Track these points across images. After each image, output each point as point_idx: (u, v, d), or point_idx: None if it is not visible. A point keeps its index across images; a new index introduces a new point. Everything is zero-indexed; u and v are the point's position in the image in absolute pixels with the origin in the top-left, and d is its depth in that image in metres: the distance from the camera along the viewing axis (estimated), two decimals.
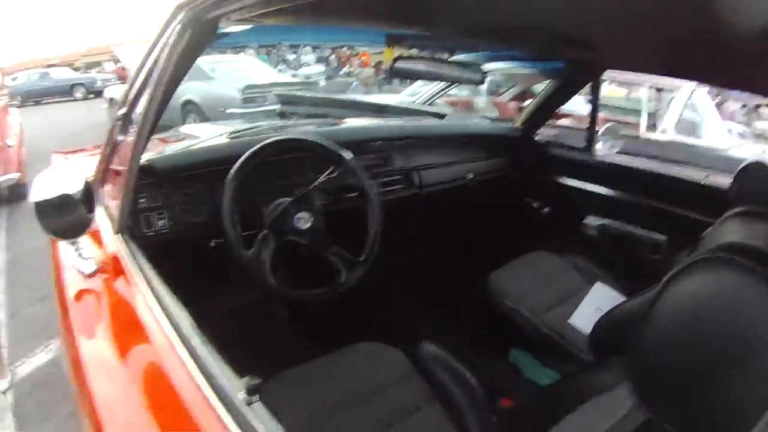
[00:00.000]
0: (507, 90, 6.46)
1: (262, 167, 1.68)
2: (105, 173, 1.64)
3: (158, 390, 0.87)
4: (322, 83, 11.54)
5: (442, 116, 3.68)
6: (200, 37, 1.15)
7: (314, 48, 17.82)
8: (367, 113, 5.46)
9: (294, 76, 14.39)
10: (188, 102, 8.47)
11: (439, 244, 2.49)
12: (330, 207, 1.75)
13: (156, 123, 1.26)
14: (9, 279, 4.03)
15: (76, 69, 28.44)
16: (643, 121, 4.77)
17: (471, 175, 2.47)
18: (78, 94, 20.91)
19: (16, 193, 5.94)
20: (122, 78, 18.60)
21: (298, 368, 1.38)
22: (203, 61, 8.73)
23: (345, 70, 16.97)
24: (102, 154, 1.61)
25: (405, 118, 3.16)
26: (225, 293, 1.84)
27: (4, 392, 2.61)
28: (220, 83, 8.61)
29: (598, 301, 1.88)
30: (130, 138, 1.34)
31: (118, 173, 1.51)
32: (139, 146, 1.24)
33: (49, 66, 24.44)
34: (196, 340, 0.87)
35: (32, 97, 19.82)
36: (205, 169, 1.76)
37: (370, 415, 1.28)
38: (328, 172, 1.77)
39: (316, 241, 1.69)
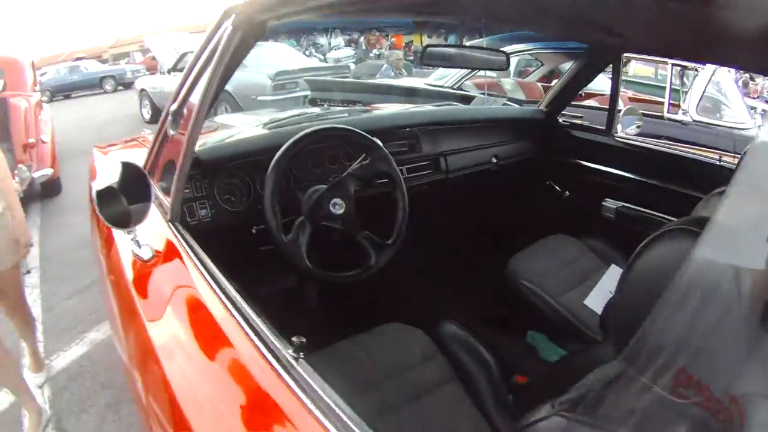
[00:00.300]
0: (535, 70, 6.52)
1: (298, 156, 1.81)
2: (154, 166, 1.79)
3: (222, 355, 1.01)
4: (352, 66, 11.64)
5: (469, 99, 3.78)
6: (250, 37, 1.30)
7: (343, 30, 17.91)
8: (397, 97, 5.58)
9: (324, 60, 14.46)
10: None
11: (464, 227, 2.59)
12: (360, 193, 1.87)
13: (206, 118, 1.40)
14: (43, 274, 4.12)
15: (104, 61, 28.85)
16: (666, 101, 4.75)
17: (494, 159, 2.57)
18: (108, 87, 21.14)
19: (49, 189, 6.12)
20: (151, 68, 18.73)
21: (328, 349, 1.51)
22: None
23: (375, 52, 17.03)
24: (151, 148, 1.76)
25: (433, 103, 3.25)
26: (261, 280, 1.96)
27: (40, 386, 2.70)
28: (251, 70, 8.62)
29: (612, 284, 1.94)
30: (181, 132, 1.48)
31: (167, 165, 1.66)
32: (192, 140, 1.38)
33: (77, 59, 24.84)
34: (249, 311, 1.02)
35: (62, 91, 20.11)
36: (246, 160, 1.90)
37: (396, 391, 1.41)
38: (360, 159, 1.91)
39: (349, 225, 1.83)
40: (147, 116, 11.68)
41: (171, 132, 1.54)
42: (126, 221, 1.40)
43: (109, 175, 1.40)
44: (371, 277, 1.84)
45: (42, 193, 6.12)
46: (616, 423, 0.72)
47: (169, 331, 1.14)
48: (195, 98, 1.44)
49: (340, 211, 1.80)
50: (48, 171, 5.64)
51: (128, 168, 1.43)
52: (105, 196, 1.38)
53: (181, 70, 10.80)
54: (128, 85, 19.24)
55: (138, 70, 21.24)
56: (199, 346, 1.06)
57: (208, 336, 1.06)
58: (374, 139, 1.93)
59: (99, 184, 1.38)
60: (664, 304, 0.70)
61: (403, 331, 1.62)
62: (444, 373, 1.50)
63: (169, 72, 10.61)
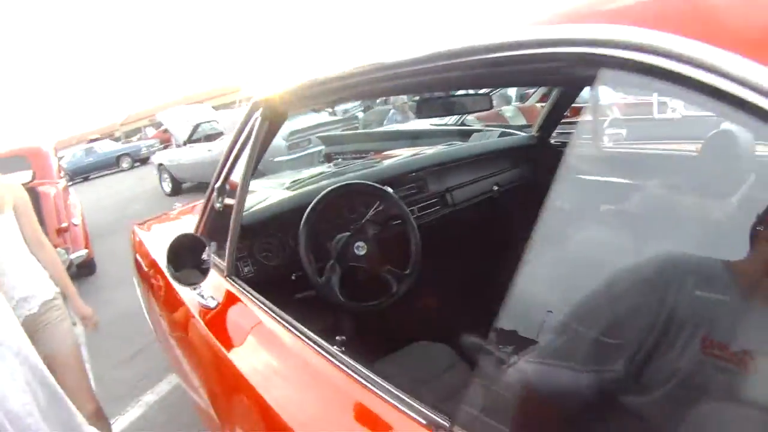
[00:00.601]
0: (535, 92, 6.92)
1: (323, 211, 2.18)
2: (205, 232, 2.11)
3: (300, 367, 1.32)
4: (360, 116, 12.30)
5: (469, 134, 4.15)
6: (276, 125, 1.69)
7: None
8: (405, 141, 5.99)
9: (333, 113, 14.88)
10: None
11: (475, 250, 2.83)
12: (378, 234, 2.25)
13: (247, 190, 1.77)
14: (89, 349, 4.21)
15: (117, 139, 29.65)
16: (654, 102, 4.86)
17: (496, 187, 2.89)
18: (125, 165, 21.91)
19: (85, 269, 6.47)
20: (164, 141, 19.35)
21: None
22: None
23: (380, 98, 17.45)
24: (199, 219, 2.10)
25: (437, 143, 3.67)
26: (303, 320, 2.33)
27: None
28: None
29: None
30: (227, 205, 1.86)
31: (216, 232, 2.01)
32: (240, 209, 1.75)
33: (91, 141, 25.61)
34: (306, 330, 1.36)
35: (80, 174, 20.83)
36: (278, 221, 2.28)
37: (431, 395, 1.62)
38: (375, 206, 2.28)
39: (372, 263, 2.21)
40: (168, 189, 12.16)
41: (217, 205, 1.91)
42: (195, 279, 1.75)
43: (165, 246, 1.76)
44: (397, 304, 2.20)
45: (78, 274, 6.27)
46: (580, 363, 0.93)
47: (259, 362, 1.45)
48: (235, 176, 1.83)
49: (363, 252, 2.19)
50: (83, 252, 5.94)
51: (187, 238, 1.81)
52: (171, 263, 1.73)
53: (196, 140, 11.12)
54: (144, 161, 19.91)
55: (152, 144, 22.01)
56: (283, 367, 1.38)
57: (285, 357, 1.39)
58: (385, 187, 2.32)
59: (165, 256, 1.74)
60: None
61: (428, 348, 1.93)
62: (468, 378, 1.78)
63: (184, 144, 11.08)
